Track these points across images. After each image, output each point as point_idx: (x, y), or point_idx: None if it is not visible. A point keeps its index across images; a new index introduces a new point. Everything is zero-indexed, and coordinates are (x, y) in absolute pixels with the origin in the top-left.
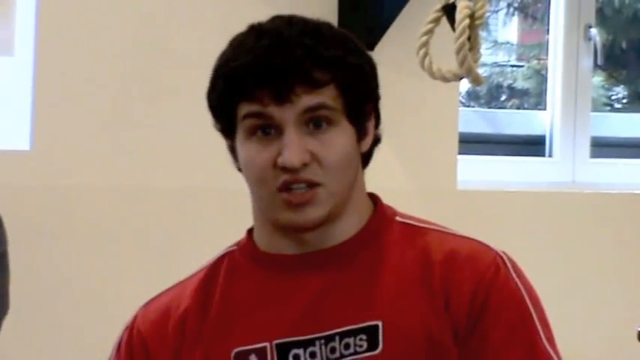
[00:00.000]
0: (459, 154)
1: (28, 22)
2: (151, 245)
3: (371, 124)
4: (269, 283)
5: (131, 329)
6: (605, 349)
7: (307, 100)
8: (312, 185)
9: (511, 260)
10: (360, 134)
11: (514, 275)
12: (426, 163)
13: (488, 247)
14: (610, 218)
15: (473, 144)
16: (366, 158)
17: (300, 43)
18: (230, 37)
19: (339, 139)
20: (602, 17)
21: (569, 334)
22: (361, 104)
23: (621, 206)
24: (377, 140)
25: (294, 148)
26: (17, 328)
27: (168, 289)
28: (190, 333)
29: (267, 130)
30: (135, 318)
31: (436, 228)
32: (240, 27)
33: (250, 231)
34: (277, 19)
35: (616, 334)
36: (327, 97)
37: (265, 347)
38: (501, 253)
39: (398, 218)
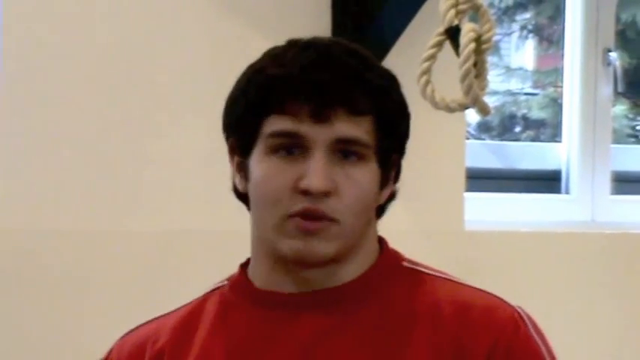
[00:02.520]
0: (467, 191)
1: None
2: (125, 290)
3: (392, 176)
4: (262, 322)
5: None
6: None
7: (345, 129)
8: (326, 218)
9: (529, 317)
10: (383, 181)
11: (534, 334)
12: (430, 202)
13: (504, 302)
14: (633, 260)
15: (482, 180)
16: (380, 211)
17: (348, 64)
18: (218, 71)
19: (366, 177)
20: (624, 40)
21: None
22: (393, 148)
23: None
24: (392, 195)
25: (321, 172)
26: None
27: (147, 322)
28: None
29: (293, 150)
30: (111, 350)
31: (447, 277)
32: (230, 57)
33: (243, 266)
34: (322, 38)
35: None
36: (363, 129)
37: None
38: (519, 309)
39: (405, 264)
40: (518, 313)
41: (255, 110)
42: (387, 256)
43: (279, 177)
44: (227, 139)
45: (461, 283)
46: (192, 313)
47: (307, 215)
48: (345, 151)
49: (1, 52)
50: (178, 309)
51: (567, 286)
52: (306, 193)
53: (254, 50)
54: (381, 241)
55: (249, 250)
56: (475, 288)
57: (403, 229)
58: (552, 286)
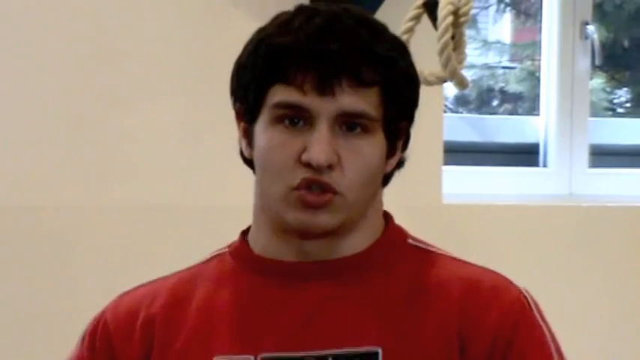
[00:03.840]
0: (445, 164)
1: None
2: (102, 266)
3: (400, 145)
4: (261, 289)
5: (98, 321)
6: None
7: (350, 102)
8: (330, 191)
9: (533, 299)
10: (390, 151)
11: (538, 316)
12: (409, 176)
13: (510, 282)
14: (611, 233)
15: (460, 153)
16: (386, 179)
17: (356, 34)
18: (201, 49)
19: (371, 149)
20: (602, 13)
21: (568, 353)
22: (401, 117)
23: (623, 220)
24: (401, 163)
25: (324, 145)
26: None
27: (145, 284)
28: (161, 333)
29: (296, 120)
30: (105, 310)
31: (453, 256)
32: (206, 30)
33: (244, 233)
34: (331, 4)
35: (618, 349)
36: (369, 102)
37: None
38: (524, 291)
39: (410, 240)
40: (524, 294)
41: (261, 78)
42: (392, 232)
43: (283, 148)
44: (234, 103)
45: (467, 262)
46: (191, 277)
47: (310, 187)
48: (350, 123)
49: None
50: (177, 272)
51: (545, 259)
52: (309, 165)
53: (231, 28)
54: (387, 216)
55: (225, 226)
56: (481, 267)
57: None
58: (530, 259)
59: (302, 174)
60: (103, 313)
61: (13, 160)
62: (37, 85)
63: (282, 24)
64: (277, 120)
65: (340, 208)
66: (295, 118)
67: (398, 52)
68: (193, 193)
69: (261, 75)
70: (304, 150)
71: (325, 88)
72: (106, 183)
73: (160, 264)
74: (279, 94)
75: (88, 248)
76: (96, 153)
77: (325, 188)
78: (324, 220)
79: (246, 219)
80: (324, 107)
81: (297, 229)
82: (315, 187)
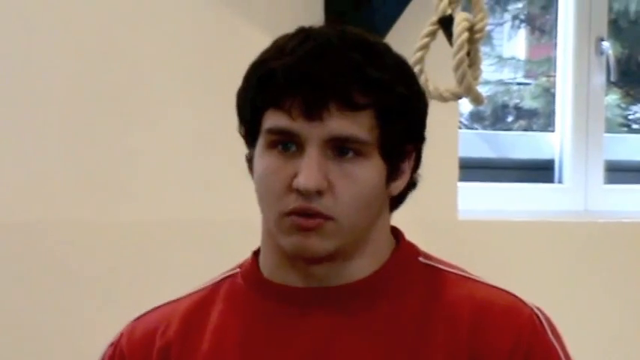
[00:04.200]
0: (460, 180)
1: None
2: (117, 280)
3: (407, 166)
4: (270, 315)
5: (115, 346)
6: None
7: (338, 126)
8: (320, 217)
9: (547, 318)
10: (392, 174)
11: (551, 336)
12: (424, 192)
13: (523, 301)
14: (626, 249)
15: (475, 170)
16: (397, 201)
17: (347, 57)
18: (212, 65)
19: (364, 173)
20: (617, 29)
21: None
22: (400, 141)
23: (639, 236)
24: (412, 184)
25: (312, 171)
26: None
27: (159, 306)
28: (178, 358)
29: (289, 145)
30: (121, 335)
31: (463, 274)
32: (223, 53)
33: (256, 253)
34: (332, 26)
35: None
36: (361, 125)
37: None
38: (537, 310)
39: (421, 259)
40: (537, 314)
41: (256, 103)
42: (402, 251)
43: (276, 174)
44: (239, 126)
45: (478, 281)
46: (203, 301)
47: (301, 213)
48: (341, 147)
49: None
50: (191, 294)
51: (560, 275)
52: (299, 192)
53: (242, 41)
54: (397, 233)
55: (235, 239)
56: (492, 286)
57: (398, 219)
58: (545, 275)
59: (293, 201)
60: (119, 339)
61: (22, 175)
62: (46, 102)
63: (276, 48)
64: (271, 145)
65: (333, 233)
66: (287, 143)
67: (395, 74)
68: (201, 207)
69: (256, 99)
70: (295, 176)
71: (313, 113)
72: (116, 199)
73: (171, 277)
74: (271, 120)
75: (99, 263)
76: (105, 169)
77: (316, 214)
78: (315, 243)
79: (255, 232)
80: (312, 132)
81: (293, 254)
82: (305, 214)
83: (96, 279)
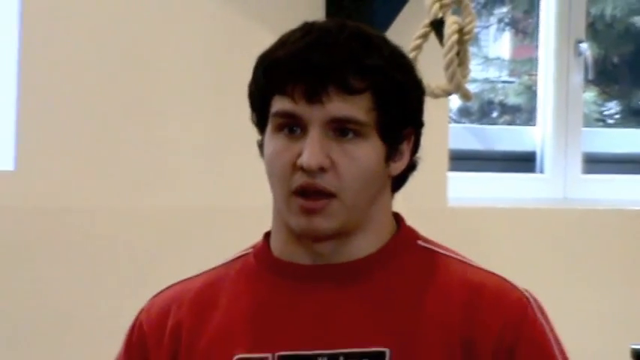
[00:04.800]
0: (450, 170)
1: (11, 45)
2: (136, 265)
3: (407, 148)
4: (279, 291)
5: (135, 322)
6: None
7: (338, 108)
8: (325, 195)
9: (536, 300)
10: (391, 155)
11: (541, 318)
12: (417, 181)
13: (513, 284)
14: (602, 235)
15: (463, 160)
16: (398, 182)
17: (344, 46)
18: (216, 60)
19: (364, 152)
20: (593, 32)
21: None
22: (397, 122)
23: (614, 223)
24: (412, 166)
25: (314, 149)
26: None
27: (175, 284)
28: (188, 333)
29: (294, 128)
30: (142, 310)
31: (459, 257)
32: (229, 53)
33: (267, 234)
34: (333, 20)
35: (609, 351)
36: (359, 108)
37: (267, 358)
38: (527, 293)
39: (420, 242)
40: (527, 296)
41: (263, 91)
42: (402, 234)
43: (283, 155)
44: (251, 114)
45: (472, 265)
46: (217, 278)
47: (306, 192)
48: (341, 128)
49: (22, 46)
50: (207, 271)
51: (541, 258)
52: (303, 170)
53: (251, 46)
54: (398, 218)
55: (247, 224)
56: (485, 270)
57: (393, 206)
58: (527, 258)
59: (298, 178)
60: (139, 315)
61: (67, 167)
62: (91, 107)
63: (280, 41)
64: (278, 129)
65: (337, 211)
66: (293, 126)
67: (391, 61)
68: (219, 194)
69: (264, 87)
70: (300, 155)
71: (313, 97)
72: (144, 187)
73: (191, 259)
74: (277, 104)
75: (129, 247)
76: (136, 161)
77: (320, 192)
78: (320, 223)
79: (266, 218)
80: (314, 114)
81: (300, 233)
82: (311, 193)
83: (113, 262)
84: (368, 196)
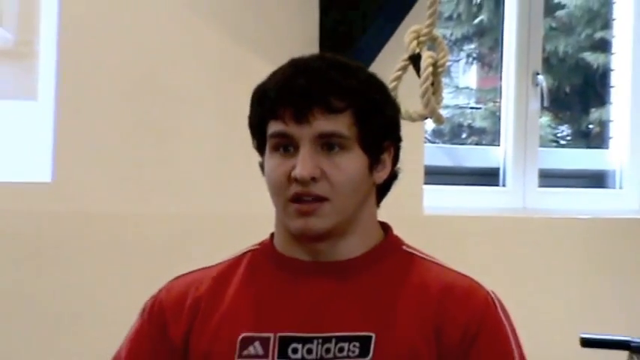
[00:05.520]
0: (425, 184)
1: (49, 71)
2: (168, 268)
3: (388, 159)
4: (281, 281)
5: (155, 299)
6: (553, 354)
7: (323, 125)
8: (319, 199)
9: (499, 299)
10: (374, 164)
11: (501, 314)
12: (396, 192)
13: (480, 285)
14: (556, 240)
15: (437, 175)
16: (382, 191)
17: (324, 74)
18: (222, 87)
19: (349, 162)
20: (548, 65)
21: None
22: (375, 135)
23: (566, 230)
24: (394, 176)
25: (306, 162)
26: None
27: (193, 271)
28: (203, 312)
29: (288, 147)
30: (161, 290)
31: (436, 261)
32: (231, 78)
33: (273, 234)
34: (315, 54)
35: (562, 339)
36: (341, 124)
37: (269, 337)
38: (491, 293)
39: (404, 247)
40: (491, 296)
41: (259, 118)
42: (389, 240)
43: (279, 170)
44: (252, 139)
45: (446, 267)
46: (229, 268)
47: (300, 198)
48: (328, 143)
49: (59, 74)
50: (220, 263)
51: (503, 260)
52: (297, 180)
53: (251, 72)
54: (387, 227)
55: (252, 230)
56: (457, 272)
57: (377, 215)
58: (492, 259)
59: (294, 188)
60: (159, 293)
61: (97, 178)
62: (118, 127)
63: (272, 74)
64: (275, 149)
65: (329, 212)
66: (287, 145)
67: (367, 83)
68: (227, 202)
69: (259, 115)
70: (293, 169)
71: (301, 117)
72: (162, 195)
73: (206, 258)
74: (272, 128)
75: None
76: (156, 173)
77: (313, 197)
78: (315, 223)
79: (269, 223)
80: (303, 133)
81: (298, 234)
82: (306, 198)
83: (146, 265)
84: (356, 201)
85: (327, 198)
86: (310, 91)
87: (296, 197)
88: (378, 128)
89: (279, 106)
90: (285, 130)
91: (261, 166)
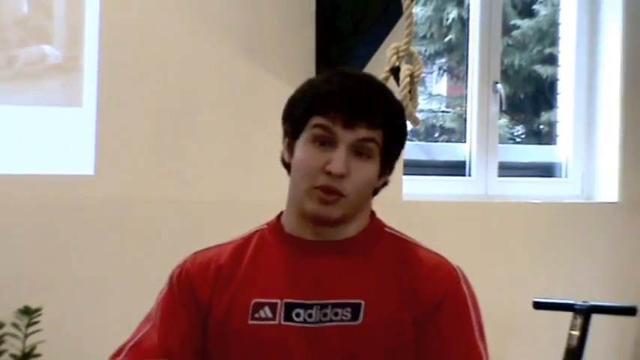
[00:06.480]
0: (404, 174)
1: (92, 82)
2: (193, 247)
3: (388, 170)
4: (288, 257)
5: (182, 267)
6: (509, 315)
7: (364, 133)
8: (340, 194)
9: (463, 273)
10: (381, 174)
11: (464, 286)
12: None
13: (447, 261)
14: (512, 221)
15: (414, 167)
16: (376, 190)
17: (371, 92)
18: (238, 94)
19: (370, 169)
20: (506, 76)
21: (482, 304)
22: (393, 153)
23: (521, 212)
24: (385, 183)
25: (341, 161)
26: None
27: (212, 247)
28: (223, 280)
29: (325, 142)
30: (185, 261)
31: (412, 240)
32: (246, 89)
33: (279, 215)
34: (361, 73)
35: (518, 302)
36: (376, 137)
37: (277, 303)
38: (457, 267)
39: (386, 229)
40: (455, 270)
41: (308, 110)
42: (374, 223)
43: (314, 159)
44: (284, 125)
45: (420, 245)
46: (242, 245)
47: (326, 189)
48: (360, 151)
49: (101, 81)
50: (233, 240)
51: (469, 238)
52: (329, 173)
53: (260, 82)
54: (372, 213)
55: (262, 215)
56: (429, 249)
57: None
58: (459, 237)
59: (323, 179)
60: (184, 263)
61: (134, 171)
62: (152, 127)
63: (326, 79)
64: (313, 139)
65: (343, 205)
66: (325, 141)
67: (397, 109)
68: (243, 189)
69: (309, 108)
70: (327, 163)
71: (348, 125)
72: (184, 183)
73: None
74: (319, 120)
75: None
76: (181, 163)
77: (335, 192)
78: (331, 212)
79: (274, 210)
80: (346, 136)
81: (312, 217)
82: (329, 191)
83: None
84: (363, 198)
85: (345, 195)
86: (362, 107)
87: (323, 188)
88: (396, 149)
89: (331, 109)
90: (332, 128)
91: (289, 147)
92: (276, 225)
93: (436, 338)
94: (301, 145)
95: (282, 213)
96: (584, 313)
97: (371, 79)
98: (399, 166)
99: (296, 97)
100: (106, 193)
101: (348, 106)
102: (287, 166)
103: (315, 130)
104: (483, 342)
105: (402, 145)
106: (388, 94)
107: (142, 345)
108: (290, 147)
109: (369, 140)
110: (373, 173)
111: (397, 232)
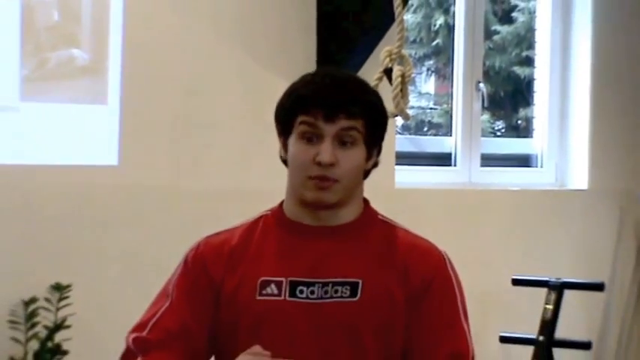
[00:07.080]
0: (396, 165)
1: (116, 82)
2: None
3: (375, 153)
4: (290, 240)
5: (196, 249)
6: (490, 292)
7: (344, 123)
8: (333, 180)
9: (449, 258)
10: (368, 157)
11: (450, 270)
12: (375, 172)
13: (435, 246)
14: (493, 207)
15: (405, 158)
16: (366, 174)
17: (348, 87)
18: (247, 93)
19: (356, 155)
20: (488, 76)
21: (465, 280)
22: (376, 138)
23: (501, 199)
24: (375, 164)
25: (329, 151)
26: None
27: (221, 232)
28: (235, 259)
29: (312, 138)
30: (199, 244)
31: (402, 227)
32: (256, 90)
33: (281, 202)
34: (338, 71)
35: (499, 280)
36: (357, 125)
37: (282, 281)
38: (444, 253)
39: (379, 216)
40: (444, 255)
41: (293, 111)
42: (369, 210)
43: (304, 154)
44: (276, 126)
45: (410, 232)
46: (250, 227)
47: (321, 178)
48: (344, 140)
49: (124, 77)
50: (241, 225)
51: (455, 222)
52: (319, 164)
53: (266, 83)
54: (366, 201)
55: (267, 202)
56: (418, 235)
57: None
58: (446, 221)
59: (316, 170)
60: (197, 246)
61: (156, 161)
62: (170, 122)
63: (306, 81)
64: (301, 136)
65: (338, 190)
66: (311, 135)
67: (375, 98)
68: (249, 179)
69: (294, 109)
70: (317, 154)
71: (329, 118)
72: (201, 173)
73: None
74: (303, 118)
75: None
76: (197, 155)
77: (329, 179)
78: (328, 197)
79: (275, 199)
80: (329, 129)
81: (311, 202)
82: (323, 178)
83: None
84: (354, 182)
85: (338, 180)
86: (338, 101)
87: (316, 177)
88: (379, 133)
89: (312, 106)
90: (316, 123)
91: (284, 145)
92: (278, 211)
93: (425, 315)
94: (293, 142)
95: (283, 201)
96: (558, 288)
97: (346, 75)
98: (391, 157)
99: (282, 100)
100: (129, 181)
101: (327, 101)
102: (284, 161)
103: (302, 127)
104: (466, 320)
105: (383, 129)
106: (363, 85)
107: (161, 322)
108: (284, 144)
109: (351, 129)
110: (360, 158)
111: (389, 219)
